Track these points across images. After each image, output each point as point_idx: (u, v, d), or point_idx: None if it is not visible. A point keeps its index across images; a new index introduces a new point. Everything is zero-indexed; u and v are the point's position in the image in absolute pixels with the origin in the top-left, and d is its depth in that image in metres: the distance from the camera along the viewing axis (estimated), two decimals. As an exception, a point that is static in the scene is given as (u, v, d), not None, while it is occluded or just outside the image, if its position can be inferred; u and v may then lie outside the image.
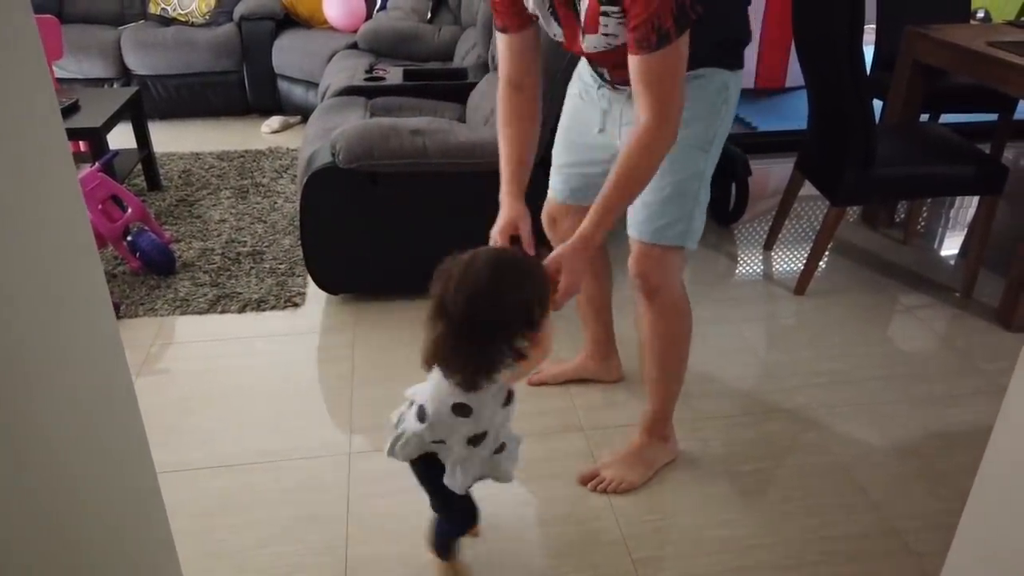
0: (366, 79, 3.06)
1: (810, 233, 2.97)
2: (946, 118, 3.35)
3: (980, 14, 5.00)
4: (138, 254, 2.61)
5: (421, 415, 1.33)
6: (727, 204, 3.00)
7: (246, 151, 3.68)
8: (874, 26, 3.30)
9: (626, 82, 1.39)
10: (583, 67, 1.67)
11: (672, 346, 1.72)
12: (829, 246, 2.60)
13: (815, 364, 2.23)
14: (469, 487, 1.36)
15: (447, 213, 2.31)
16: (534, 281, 1.22)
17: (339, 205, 2.35)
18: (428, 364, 1.26)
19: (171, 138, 3.84)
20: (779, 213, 2.82)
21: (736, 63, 1.53)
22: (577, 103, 1.70)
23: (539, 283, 1.24)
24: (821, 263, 2.64)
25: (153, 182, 3.28)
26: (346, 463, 1.85)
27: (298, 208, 2.36)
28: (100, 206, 2.56)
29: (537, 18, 1.45)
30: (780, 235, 2.88)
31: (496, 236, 1.46)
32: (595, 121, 1.64)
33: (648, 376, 1.76)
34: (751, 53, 4.53)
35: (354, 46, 3.81)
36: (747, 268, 2.79)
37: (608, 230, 1.37)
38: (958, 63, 2.54)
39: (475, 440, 1.32)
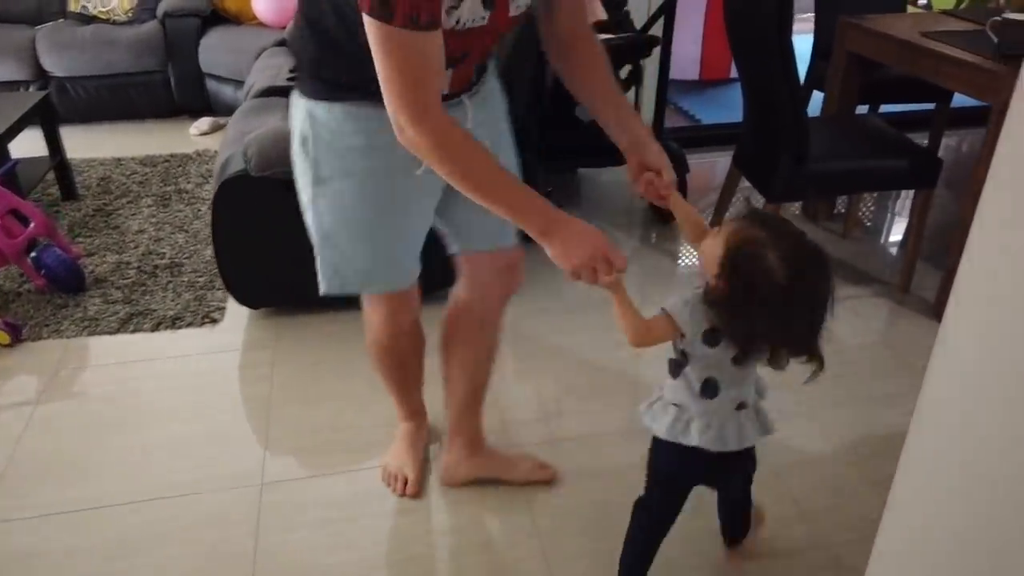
0: (289, 79, 2.92)
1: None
2: (886, 108, 3.33)
3: (922, 1, 5.03)
4: (43, 271, 2.45)
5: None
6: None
7: (172, 155, 3.51)
8: (812, 14, 3.25)
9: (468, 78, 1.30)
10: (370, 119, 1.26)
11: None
12: (768, 243, 2.54)
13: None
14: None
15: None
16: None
17: (254, 214, 2.23)
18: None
19: (91, 143, 3.65)
20: (718, 209, 2.76)
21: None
22: (375, 169, 1.32)
23: None
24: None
25: (68, 191, 3.10)
26: (257, 495, 1.74)
27: (210, 218, 2.23)
28: (-1, 221, 2.39)
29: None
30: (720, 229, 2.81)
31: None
32: (409, 165, 1.24)
33: (480, 385, 1.70)
34: (695, 43, 4.46)
35: (283, 43, 3.65)
36: (686, 267, 2.72)
37: None
38: (892, 54, 2.49)
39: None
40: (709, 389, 1.22)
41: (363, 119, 1.26)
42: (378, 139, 1.23)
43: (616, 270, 1.17)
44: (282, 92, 2.83)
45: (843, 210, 2.99)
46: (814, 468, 1.81)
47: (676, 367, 1.25)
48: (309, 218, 1.43)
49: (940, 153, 3.26)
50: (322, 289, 1.46)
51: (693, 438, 1.24)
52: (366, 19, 1.04)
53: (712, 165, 3.60)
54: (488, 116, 1.40)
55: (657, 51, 2.93)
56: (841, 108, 2.77)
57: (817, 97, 3.01)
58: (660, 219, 2.97)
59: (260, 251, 2.28)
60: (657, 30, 2.96)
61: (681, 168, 2.83)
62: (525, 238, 1.30)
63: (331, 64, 1.25)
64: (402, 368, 1.69)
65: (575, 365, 2.18)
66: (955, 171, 3.42)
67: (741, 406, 1.26)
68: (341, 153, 1.31)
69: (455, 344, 1.66)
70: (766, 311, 1.09)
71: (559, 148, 2.89)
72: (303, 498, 1.73)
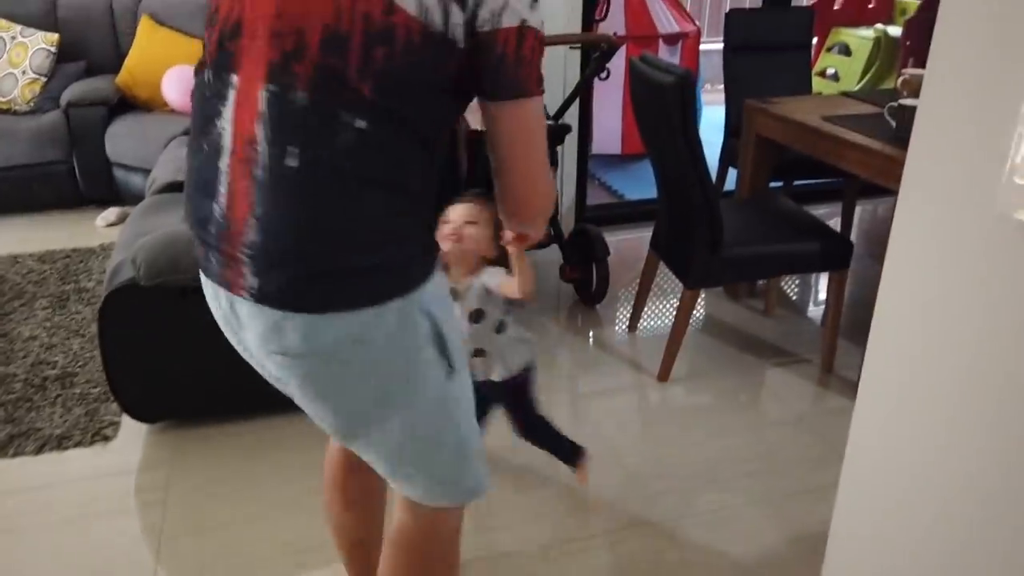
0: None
1: (674, 310, 2.89)
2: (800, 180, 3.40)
3: (830, 71, 5.26)
4: (-85, 391, 2.23)
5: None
6: (589, 285, 2.89)
7: (74, 250, 3.33)
8: (722, 87, 3.33)
9: None
10: None
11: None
12: (690, 323, 2.50)
13: (679, 464, 2.10)
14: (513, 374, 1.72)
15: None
16: None
17: (145, 323, 2.09)
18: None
19: (-12, 239, 3.45)
20: (639, 293, 2.72)
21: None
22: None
23: None
24: (684, 343, 2.54)
25: (-45, 295, 2.89)
26: (136, 650, 1.55)
27: (96, 330, 2.08)
28: None
29: None
30: (643, 313, 2.78)
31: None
32: None
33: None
34: (616, 117, 4.53)
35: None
36: (611, 354, 2.66)
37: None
38: (795, 138, 2.54)
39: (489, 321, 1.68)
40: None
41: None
42: None
43: None
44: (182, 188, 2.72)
45: (764, 283, 3.01)
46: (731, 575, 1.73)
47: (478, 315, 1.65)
48: (435, 429, 1.12)
49: (855, 222, 3.33)
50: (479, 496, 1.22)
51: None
52: (530, 102, 1.00)
53: (637, 242, 3.60)
54: None
55: (576, 129, 2.93)
56: (754, 186, 2.80)
57: (733, 171, 3.05)
58: (587, 301, 2.92)
59: (153, 362, 2.12)
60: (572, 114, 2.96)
61: (602, 251, 2.80)
62: None
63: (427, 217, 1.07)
64: None
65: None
66: (872, 240, 3.50)
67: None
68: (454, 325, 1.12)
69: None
70: None
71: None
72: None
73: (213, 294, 1.08)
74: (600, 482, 2.01)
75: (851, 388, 2.40)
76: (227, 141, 0.94)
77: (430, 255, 1.06)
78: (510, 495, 1.97)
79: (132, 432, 2.21)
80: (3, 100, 3.74)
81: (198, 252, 1.07)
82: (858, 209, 3.53)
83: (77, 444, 2.16)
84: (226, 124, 0.94)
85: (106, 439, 2.18)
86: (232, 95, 0.94)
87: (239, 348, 1.13)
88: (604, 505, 1.94)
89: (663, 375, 2.45)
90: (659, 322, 2.82)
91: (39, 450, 2.13)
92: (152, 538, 1.85)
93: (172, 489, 2.01)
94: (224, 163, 0.95)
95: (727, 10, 3.34)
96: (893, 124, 2.33)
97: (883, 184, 2.21)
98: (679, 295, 2.95)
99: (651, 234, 2.66)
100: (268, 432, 2.19)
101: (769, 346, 2.67)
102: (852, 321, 2.71)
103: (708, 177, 2.20)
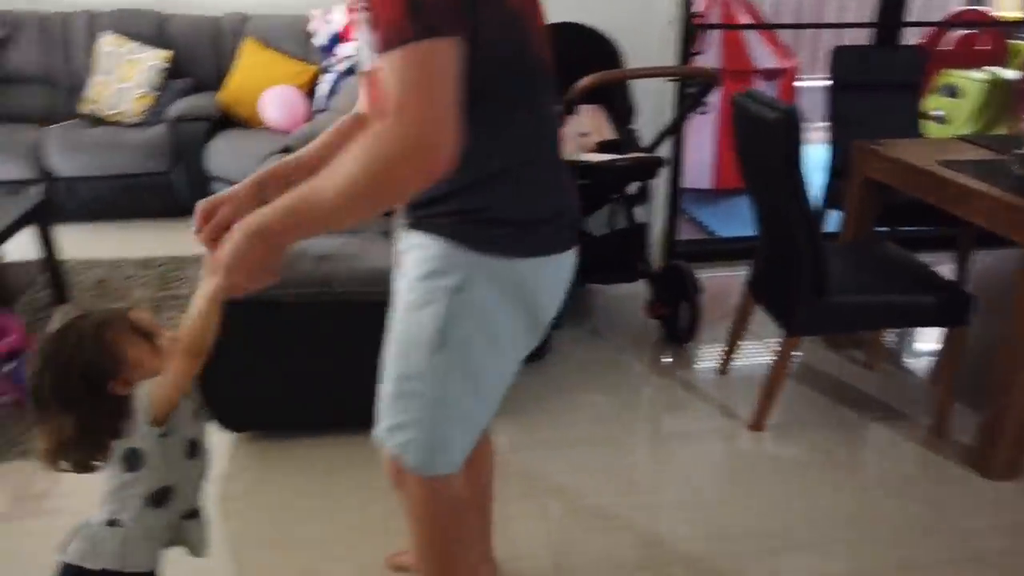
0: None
1: (768, 352, 2.76)
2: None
3: (936, 112, 5.02)
4: (20, 384, 2.32)
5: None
6: (677, 323, 2.80)
7: (171, 257, 3.44)
8: (826, 123, 3.20)
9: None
10: None
11: (424, 547, 1.34)
12: (787, 371, 2.37)
13: (771, 522, 1.97)
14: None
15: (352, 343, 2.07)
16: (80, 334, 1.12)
17: (238, 335, 2.08)
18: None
19: (93, 242, 3.59)
20: (733, 333, 2.61)
21: (495, 246, 1.11)
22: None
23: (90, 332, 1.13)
24: (779, 392, 2.41)
25: (59, 296, 3.01)
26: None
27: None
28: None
29: None
30: (736, 355, 2.66)
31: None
32: None
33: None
34: (708, 151, 4.43)
35: (288, 149, 3.64)
36: (699, 397, 2.55)
37: (298, 238, 1.02)
38: (908, 182, 2.39)
39: (156, 498, 1.17)
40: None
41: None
42: None
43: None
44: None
45: (868, 334, 2.84)
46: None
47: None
48: (432, 390, 1.17)
49: (971, 275, 3.12)
50: (427, 469, 1.22)
51: None
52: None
53: (726, 281, 3.48)
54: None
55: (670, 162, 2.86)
56: (858, 231, 2.66)
57: (836, 216, 2.91)
58: (674, 339, 2.82)
59: (244, 373, 2.14)
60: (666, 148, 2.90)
61: (693, 289, 2.70)
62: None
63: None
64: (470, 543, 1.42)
65: (577, 509, 1.99)
66: (988, 293, 3.25)
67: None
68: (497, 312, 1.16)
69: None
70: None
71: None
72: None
73: (568, 263, 1.22)
74: (684, 534, 1.91)
75: (965, 454, 2.22)
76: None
77: None
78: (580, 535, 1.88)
79: (219, 440, 2.23)
80: (114, 112, 3.93)
81: (552, 238, 1.16)
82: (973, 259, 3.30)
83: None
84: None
85: (191, 447, 2.21)
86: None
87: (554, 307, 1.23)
88: (688, 562, 1.83)
89: (757, 423, 2.33)
90: (752, 366, 2.69)
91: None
92: (232, 547, 1.84)
93: (255, 498, 2.01)
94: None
95: (833, 47, 3.21)
96: (1018, 173, 2.18)
97: (1005, 235, 2.06)
98: (774, 339, 2.83)
99: (747, 274, 2.54)
100: (351, 449, 2.17)
101: (872, 401, 2.51)
102: (964, 381, 2.52)
103: (814, 218, 2.09)
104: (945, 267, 3.33)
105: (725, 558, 1.84)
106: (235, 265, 0.99)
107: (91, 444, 1.13)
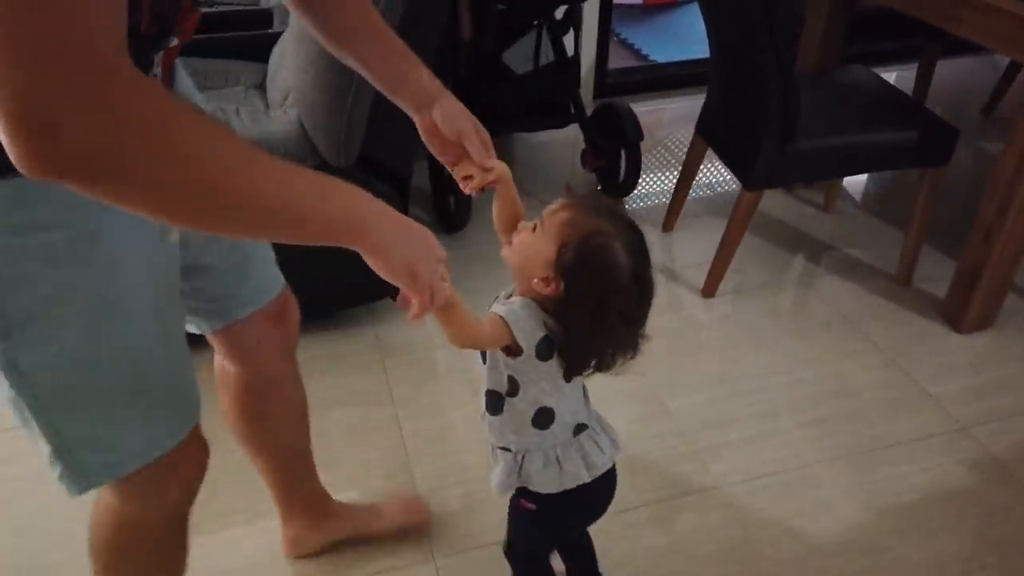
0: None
1: (718, 205, 2.44)
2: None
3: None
4: None
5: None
6: (616, 174, 2.43)
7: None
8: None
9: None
10: None
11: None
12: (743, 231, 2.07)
13: (730, 408, 1.75)
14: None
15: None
16: None
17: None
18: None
19: None
20: (679, 186, 2.27)
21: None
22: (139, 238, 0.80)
23: None
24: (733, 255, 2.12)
25: None
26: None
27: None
28: None
29: None
30: (682, 211, 2.33)
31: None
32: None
33: (303, 448, 1.32)
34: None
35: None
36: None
37: None
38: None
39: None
40: (543, 419, 0.98)
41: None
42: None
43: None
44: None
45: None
46: (818, 565, 1.42)
47: (498, 401, 0.98)
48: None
49: (930, 94, 2.81)
50: (77, 490, 0.85)
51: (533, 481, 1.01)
52: None
53: (666, 115, 3.09)
54: None
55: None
56: (823, 54, 2.27)
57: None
58: (612, 192, 2.47)
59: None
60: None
61: (634, 134, 2.32)
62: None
63: None
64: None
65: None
66: (954, 115, 2.95)
67: (580, 428, 1.02)
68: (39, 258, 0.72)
69: (252, 430, 1.22)
70: (613, 313, 0.90)
71: (486, 108, 2.34)
72: None
73: None
74: (644, 433, 1.68)
75: (933, 307, 2.01)
76: None
77: None
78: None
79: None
80: None
81: None
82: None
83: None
84: None
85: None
86: None
87: None
88: (643, 467, 1.60)
89: (709, 290, 2.06)
90: (701, 221, 2.37)
91: None
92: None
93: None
94: None
95: None
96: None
97: (1010, 55, 1.71)
98: (725, 187, 2.52)
99: (698, 115, 2.16)
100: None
101: (831, 250, 2.26)
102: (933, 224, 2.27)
103: (786, 44, 1.69)
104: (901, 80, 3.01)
105: (689, 459, 1.62)
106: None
107: None
